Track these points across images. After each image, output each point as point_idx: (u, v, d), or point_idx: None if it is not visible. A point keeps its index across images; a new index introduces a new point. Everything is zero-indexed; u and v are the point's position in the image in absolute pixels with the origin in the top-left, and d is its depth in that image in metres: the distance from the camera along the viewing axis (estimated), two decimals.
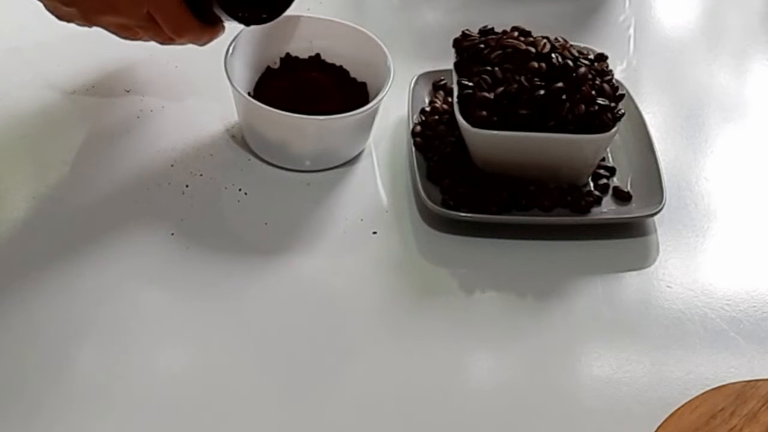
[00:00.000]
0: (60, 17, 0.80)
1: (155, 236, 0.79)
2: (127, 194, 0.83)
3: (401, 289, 0.77)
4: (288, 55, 0.90)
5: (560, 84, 0.81)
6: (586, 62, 0.83)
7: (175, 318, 0.74)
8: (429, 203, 0.81)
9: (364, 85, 0.89)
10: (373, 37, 0.88)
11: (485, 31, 0.87)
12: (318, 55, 0.90)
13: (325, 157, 0.86)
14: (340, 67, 0.90)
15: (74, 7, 0.78)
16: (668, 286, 0.78)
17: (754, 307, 0.77)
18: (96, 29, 0.81)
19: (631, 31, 1.07)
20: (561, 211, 0.83)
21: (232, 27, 0.83)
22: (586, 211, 0.83)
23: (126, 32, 0.81)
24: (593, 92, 0.81)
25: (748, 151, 0.93)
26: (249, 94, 0.85)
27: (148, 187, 0.83)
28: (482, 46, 0.85)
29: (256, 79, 0.88)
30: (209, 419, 0.67)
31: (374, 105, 0.84)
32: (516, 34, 0.85)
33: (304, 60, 0.90)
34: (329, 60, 0.90)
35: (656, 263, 0.80)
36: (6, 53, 0.94)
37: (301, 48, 0.90)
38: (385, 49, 0.87)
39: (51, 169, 0.84)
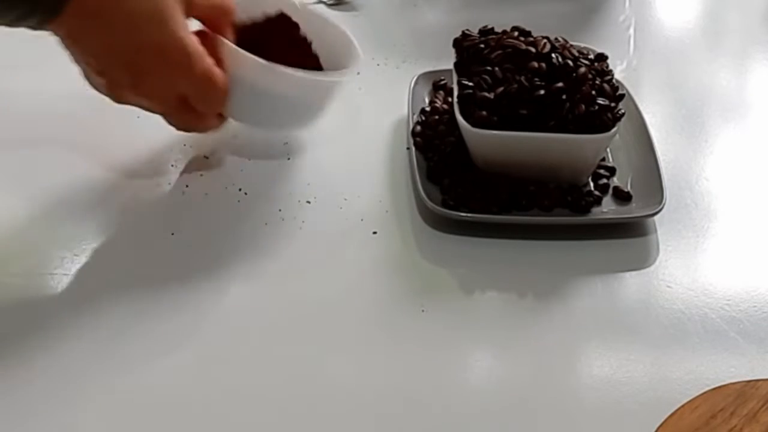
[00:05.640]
0: (93, 86, 0.77)
1: (155, 236, 0.79)
2: (128, 194, 0.83)
3: (401, 289, 0.77)
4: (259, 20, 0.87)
5: (560, 84, 0.81)
6: (586, 62, 0.83)
7: (175, 317, 0.74)
8: (429, 203, 0.81)
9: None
10: (342, 28, 0.87)
11: (485, 31, 0.87)
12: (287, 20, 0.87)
13: (258, 112, 0.83)
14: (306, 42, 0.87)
15: (104, 79, 0.76)
16: (668, 286, 0.78)
17: (754, 307, 0.77)
18: None
19: (631, 31, 1.07)
20: (561, 211, 0.83)
21: None
22: (586, 211, 0.83)
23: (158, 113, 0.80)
24: (593, 92, 0.81)
25: (749, 151, 0.93)
26: None
27: (148, 187, 0.83)
28: (482, 46, 0.85)
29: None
30: (206, 419, 0.67)
31: (330, 78, 0.82)
32: (516, 34, 0.85)
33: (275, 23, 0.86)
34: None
35: (656, 263, 0.80)
36: (6, 54, 0.94)
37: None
38: (352, 38, 0.86)
39: (51, 167, 0.84)
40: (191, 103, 0.78)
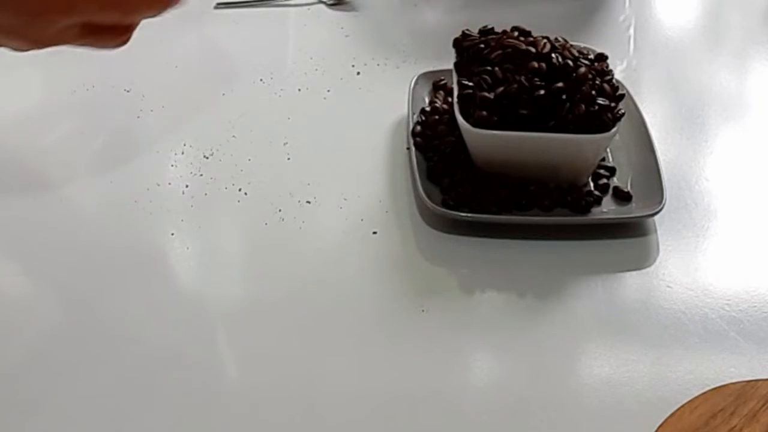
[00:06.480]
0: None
1: (155, 236, 0.79)
2: (127, 194, 0.83)
3: (401, 289, 0.77)
4: None
5: (560, 84, 0.81)
6: (586, 62, 0.83)
7: (175, 318, 0.74)
8: (429, 203, 0.81)
9: None
10: None
11: (485, 31, 0.87)
12: None
13: None
14: None
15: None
16: (668, 286, 0.78)
17: (754, 307, 0.77)
18: None
19: (631, 31, 1.07)
20: (561, 211, 0.83)
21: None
22: (586, 211, 0.83)
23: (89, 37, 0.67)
24: (593, 92, 0.81)
25: (748, 151, 0.93)
26: None
27: (148, 187, 0.83)
28: (482, 46, 0.85)
29: None
30: (204, 415, 0.67)
31: None
32: (516, 34, 0.85)
33: None
34: None
35: (656, 263, 0.80)
36: (6, 53, 0.94)
37: None
38: None
39: (51, 168, 0.84)
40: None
